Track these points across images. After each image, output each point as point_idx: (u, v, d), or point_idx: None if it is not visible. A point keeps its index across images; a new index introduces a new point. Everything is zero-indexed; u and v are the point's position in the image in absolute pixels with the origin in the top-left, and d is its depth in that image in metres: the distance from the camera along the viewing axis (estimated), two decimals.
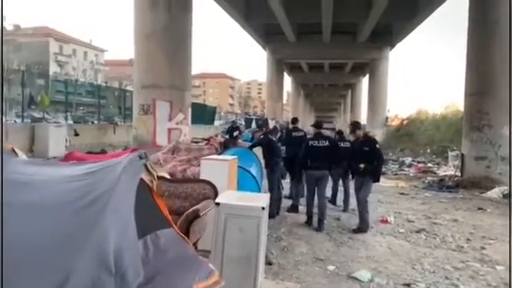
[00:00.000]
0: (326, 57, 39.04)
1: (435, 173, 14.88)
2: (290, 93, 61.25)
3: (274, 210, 6.81)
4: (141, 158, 2.85)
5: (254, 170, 5.96)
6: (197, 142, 13.79)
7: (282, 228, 6.16)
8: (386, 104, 36.51)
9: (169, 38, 12.15)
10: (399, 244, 5.79)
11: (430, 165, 17.65)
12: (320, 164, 6.56)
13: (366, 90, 41.77)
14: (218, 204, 3.33)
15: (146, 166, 3.03)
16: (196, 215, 3.90)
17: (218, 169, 4.70)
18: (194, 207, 3.99)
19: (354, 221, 6.93)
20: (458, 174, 12.69)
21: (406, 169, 16.58)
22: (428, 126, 27.99)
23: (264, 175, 6.64)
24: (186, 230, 3.89)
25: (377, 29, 31.25)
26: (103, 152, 12.88)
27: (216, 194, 4.48)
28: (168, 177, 5.77)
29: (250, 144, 8.48)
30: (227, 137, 15.96)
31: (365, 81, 48.31)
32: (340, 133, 9.05)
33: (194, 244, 4.28)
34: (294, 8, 27.54)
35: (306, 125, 54.13)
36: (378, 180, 6.67)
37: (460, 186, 11.63)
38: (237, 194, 3.94)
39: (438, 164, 17.67)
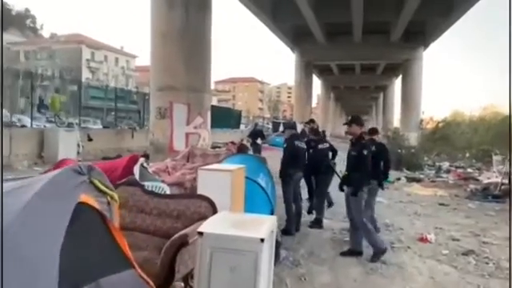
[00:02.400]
0: (357, 58, 37.71)
1: (477, 179, 13.53)
2: (320, 96, 59.89)
3: (292, 227, 5.92)
4: (80, 172, 2.06)
5: (262, 181, 5.09)
6: (218, 147, 13.10)
7: (301, 249, 5.24)
8: (420, 106, 34.90)
9: (186, 38, 11.47)
10: (444, 271, 4.77)
11: (469, 170, 16.27)
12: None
13: (398, 91, 40.19)
14: (200, 234, 2.48)
15: (93, 182, 2.25)
16: (183, 242, 3.08)
17: (218, 181, 3.86)
18: (182, 232, 3.16)
19: (389, 240, 5.95)
20: (506, 181, 11.36)
21: (444, 175, 15.28)
22: (465, 129, 26.42)
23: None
24: (172, 261, 3.08)
25: (410, 27, 29.83)
26: (118, 157, 12.35)
27: (214, 212, 3.66)
28: (164, 189, 5.01)
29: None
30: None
31: (397, 82, 46.63)
32: (315, 132, 7.81)
33: (185, 278, 3.46)
34: (323, 8, 26.54)
35: (337, 127, 52.66)
36: (355, 194, 5.14)
37: (508, 195, 10.36)
38: (235, 216, 3.07)
39: (479, 169, 16.28)
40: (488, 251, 5.60)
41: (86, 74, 57.92)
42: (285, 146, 6.19)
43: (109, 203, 2.36)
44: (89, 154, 11.27)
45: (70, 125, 12.61)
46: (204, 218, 3.54)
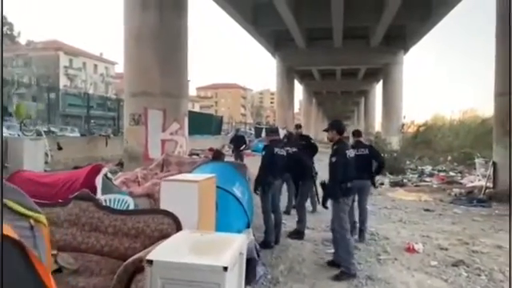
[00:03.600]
0: (338, 63, 37.68)
1: (461, 183, 13.36)
2: (302, 101, 59.83)
3: (270, 239, 5.50)
4: None
5: (238, 191, 4.66)
6: (197, 154, 12.61)
7: (281, 265, 4.80)
8: (401, 110, 34.97)
9: (161, 40, 11.01)
10: (434, 286, 4.40)
11: (452, 174, 16.13)
12: (361, 175, 5.61)
13: (380, 96, 40.26)
14: (149, 262, 2.04)
15: (7, 205, 1.78)
16: (138, 267, 2.62)
17: (183, 193, 3.40)
18: (137, 255, 2.70)
19: (375, 251, 5.59)
20: (490, 184, 11.17)
21: (428, 179, 15.06)
22: (446, 133, 26.48)
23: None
24: None
25: (390, 32, 29.90)
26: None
27: (178, 229, 3.21)
28: (128, 202, 4.53)
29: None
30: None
31: (378, 87, 46.83)
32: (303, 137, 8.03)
33: None
34: (303, 12, 26.37)
35: (319, 133, 52.71)
36: (324, 202, 5.02)
37: (493, 199, 10.15)
38: (196, 236, 2.62)
39: (461, 173, 16.16)
40: (479, 261, 5.26)
41: (63, 81, 56.69)
42: (263, 152, 5.76)
43: (32, 227, 1.89)
44: (59, 163, 10.65)
45: (40, 133, 11.99)
46: (166, 236, 3.08)
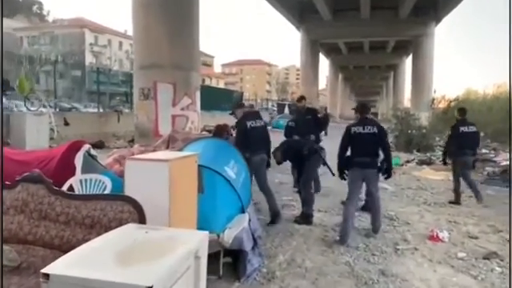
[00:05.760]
0: (365, 35, 36.12)
1: (495, 161, 12.34)
2: (329, 77, 58.22)
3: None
4: None
5: (231, 172, 4.04)
6: (209, 131, 12.04)
7: (280, 255, 4.19)
8: (431, 85, 33.42)
9: (171, 9, 10.34)
10: (460, 284, 3.72)
11: (484, 151, 15.01)
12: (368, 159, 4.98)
13: (409, 70, 38.52)
14: (45, 276, 1.46)
15: None
16: None
17: (151, 175, 2.82)
18: None
19: (392, 239, 4.92)
20: None
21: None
22: (479, 108, 25.03)
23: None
24: None
25: (420, 2, 28.22)
26: (101, 143, 11.37)
27: (141, 219, 2.64)
28: (105, 184, 3.99)
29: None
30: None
31: (408, 61, 44.89)
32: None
33: None
34: None
35: (346, 109, 51.36)
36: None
37: None
38: (139, 234, 2.01)
39: (494, 150, 15.05)
40: None
41: (89, 59, 57.03)
42: (235, 129, 5.56)
43: None
44: (65, 139, 10.28)
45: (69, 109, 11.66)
46: None
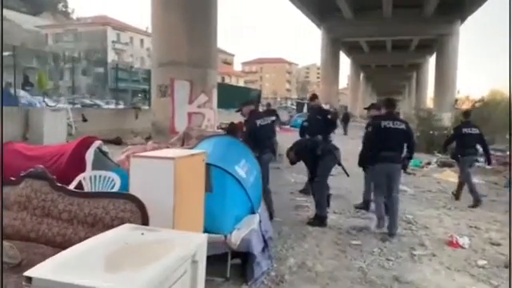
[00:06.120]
0: (388, 34, 35.49)
1: None
2: (350, 76, 57.57)
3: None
4: None
5: (242, 171, 3.93)
6: (224, 129, 11.98)
7: (291, 258, 4.07)
8: (455, 84, 32.71)
9: (189, 7, 10.32)
10: None
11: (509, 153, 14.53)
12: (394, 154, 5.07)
13: (433, 70, 37.73)
14: (28, 280, 1.39)
15: None
16: None
17: (156, 173, 2.74)
18: None
19: (409, 244, 4.74)
20: None
21: (481, 159, 13.62)
22: (505, 109, 24.29)
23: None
24: None
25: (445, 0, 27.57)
26: (118, 139, 11.43)
27: (144, 219, 2.57)
28: (114, 181, 3.94)
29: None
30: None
31: (432, 61, 43.97)
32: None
33: None
34: None
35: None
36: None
37: None
38: (134, 236, 1.92)
39: None
40: None
41: (111, 56, 57.80)
42: (245, 128, 5.65)
43: None
44: (83, 135, 10.40)
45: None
46: None
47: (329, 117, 7.17)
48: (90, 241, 1.81)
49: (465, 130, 7.33)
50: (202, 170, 3.16)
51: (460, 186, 7.53)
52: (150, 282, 1.42)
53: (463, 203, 7.11)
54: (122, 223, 2.55)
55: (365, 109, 7.15)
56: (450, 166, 11.91)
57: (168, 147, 6.61)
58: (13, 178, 2.92)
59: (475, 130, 7.40)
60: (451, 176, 10.03)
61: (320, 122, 6.83)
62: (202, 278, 1.87)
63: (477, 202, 6.99)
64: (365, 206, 6.23)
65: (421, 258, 4.32)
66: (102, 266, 1.51)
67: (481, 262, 4.24)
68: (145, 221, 2.56)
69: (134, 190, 2.78)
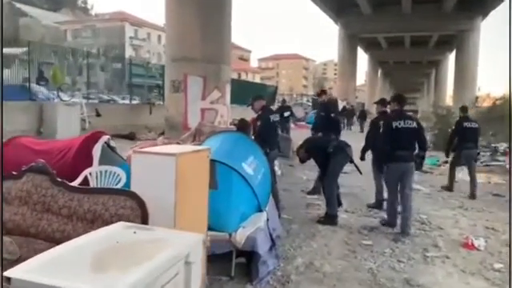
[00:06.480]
0: (406, 30, 34.87)
1: None
2: (368, 72, 56.86)
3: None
4: None
5: (249, 168, 3.85)
6: (236, 125, 11.92)
7: (299, 258, 3.98)
8: (475, 82, 32.00)
9: (203, 1, 10.27)
10: None
11: None
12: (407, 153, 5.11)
13: (452, 67, 36.97)
14: (7, 280, 1.33)
15: None
16: None
17: (157, 169, 2.68)
18: None
19: (422, 245, 4.60)
20: None
21: (501, 158, 13.27)
22: None
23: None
24: None
25: None
26: (131, 135, 11.46)
27: (144, 216, 2.52)
28: (120, 176, 3.90)
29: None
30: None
31: (451, 57, 43.11)
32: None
33: None
34: None
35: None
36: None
37: None
38: (126, 234, 1.85)
39: None
40: None
41: (129, 52, 58.29)
42: (259, 122, 5.59)
43: None
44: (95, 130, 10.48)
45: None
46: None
47: (332, 115, 7.03)
48: (80, 239, 1.76)
49: (465, 124, 7.62)
50: (206, 167, 3.09)
51: (451, 179, 8.00)
52: (136, 284, 1.35)
53: (480, 203, 6.90)
54: (121, 220, 2.51)
55: (374, 103, 7.24)
56: None
57: (179, 143, 6.58)
58: (14, 173, 2.90)
59: (475, 124, 7.74)
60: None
61: (323, 119, 6.77)
62: (196, 281, 1.80)
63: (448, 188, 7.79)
64: (378, 205, 6.10)
65: (434, 259, 4.18)
66: (88, 266, 1.44)
67: (497, 266, 4.08)
68: (144, 218, 2.51)
69: (135, 187, 2.72)
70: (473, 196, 7.30)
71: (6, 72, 11.57)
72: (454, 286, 3.59)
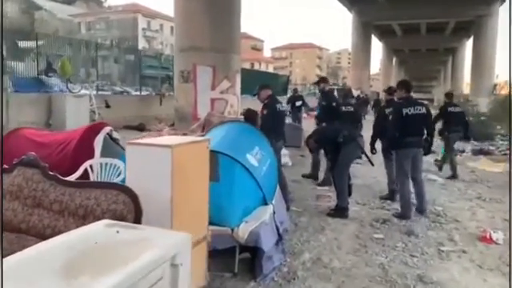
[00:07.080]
0: (422, 16, 34.00)
1: None
2: (382, 60, 55.92)
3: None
4: None
5: (253, 159, 3.68)
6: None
7: (306, 253, 3.82)
8: (493, 69, 31.15)
9: None
10: None
11: None
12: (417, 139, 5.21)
13: (469, 54, 36.08)
14: None
15: None
16: None
17: (152, 161, 2.53)
18: None
19: (437, 239, 4.40)
20: None
21: None
22: None
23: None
24: None
25: None
26: (141, 126, 11.39)
27: (137, 212, 2.38)
28: (120, 168, 3.78)
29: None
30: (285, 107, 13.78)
31: (469, 44, 42.08)
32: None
33: None
34: None
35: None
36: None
37: None
38: (108, 233, 1.70)
39: None
40: None
41: (142, 43, 58.45)
42: (265, 111, 5.44)
43: None
44: (107, 121, 10.43)
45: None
46: (120, 220, 2.25)
47: (333, 104, 6.82)
48: (56, 239, 1.62)
49: (450, 109, 8.09)
50: (205, 158, 2.94)
51: (444, 158, 8.41)
52: None
53: (498, 194, 6.62)
54: (114, 216, 2.38)
55: (384, 91, 7.31)
56: (486, 153, 11.30)
57: (186, 134, 6.45)
58: (6, 166, 2.78)
59: (458, 109, 8.31)
60: (487, 165, 9.46)
61: (325, 109, 6.60)
62: (185, 284, 1.64)
63: (453, 176, 7.81)
64: (391, 196, 5.89)
65: (449, 254, 3.98)
66: (57, 271, 1.30)
67: None
68: (138, 213, 2.37)
69: (130, 180, 2.59)
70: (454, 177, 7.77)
71: (21, 65, 11.59)
72: (470, 282, 3.39)
